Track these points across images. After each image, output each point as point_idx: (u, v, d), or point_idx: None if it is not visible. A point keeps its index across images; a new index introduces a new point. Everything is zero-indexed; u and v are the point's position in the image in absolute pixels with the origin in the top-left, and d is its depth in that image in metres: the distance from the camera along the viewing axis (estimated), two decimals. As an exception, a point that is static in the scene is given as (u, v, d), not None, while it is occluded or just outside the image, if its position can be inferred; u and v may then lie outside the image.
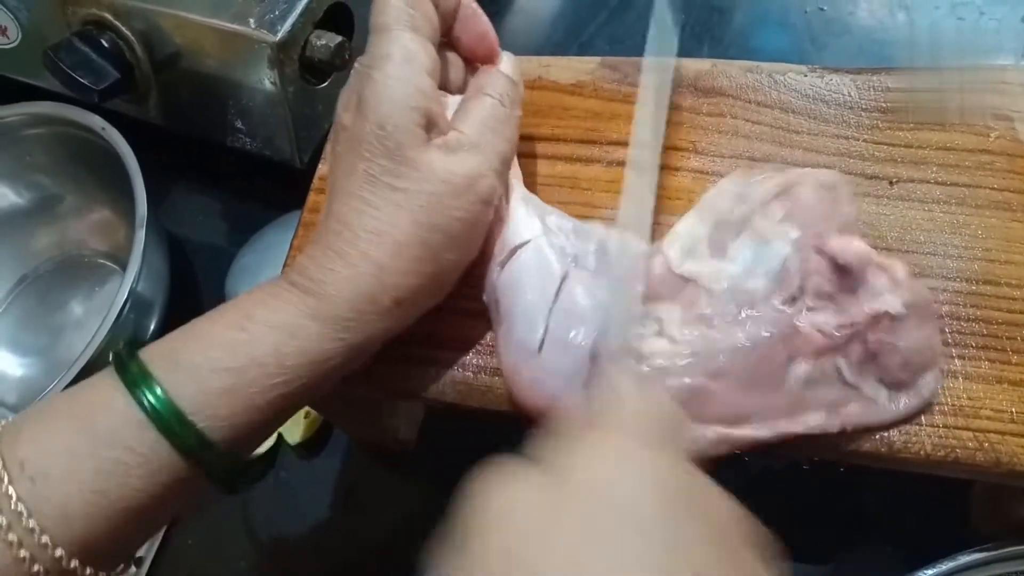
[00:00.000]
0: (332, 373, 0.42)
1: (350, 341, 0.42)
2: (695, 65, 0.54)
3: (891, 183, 0.47)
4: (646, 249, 0.45)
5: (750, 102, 0.52)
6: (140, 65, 0.68)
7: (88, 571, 0.39)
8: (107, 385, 0.40)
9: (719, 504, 0.34)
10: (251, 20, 0.64)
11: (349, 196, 0.42)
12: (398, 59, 0.42)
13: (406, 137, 0.41)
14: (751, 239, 0.43)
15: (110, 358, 0.41)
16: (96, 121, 0.69)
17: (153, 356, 0.40)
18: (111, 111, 0.71)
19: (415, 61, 0.42)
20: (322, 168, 0.54)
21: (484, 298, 0.46)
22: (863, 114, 0.50)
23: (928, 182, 0.47)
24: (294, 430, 0.65)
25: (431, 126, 0.42)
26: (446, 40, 0.47)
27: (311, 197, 0.53)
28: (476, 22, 0.47)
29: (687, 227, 0.45)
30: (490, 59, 0.47)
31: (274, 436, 0.65)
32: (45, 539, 0.37)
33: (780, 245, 0.42)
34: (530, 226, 0.45)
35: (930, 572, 0.47)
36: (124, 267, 0.63)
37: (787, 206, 0.44)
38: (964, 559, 0.47)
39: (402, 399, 0.47)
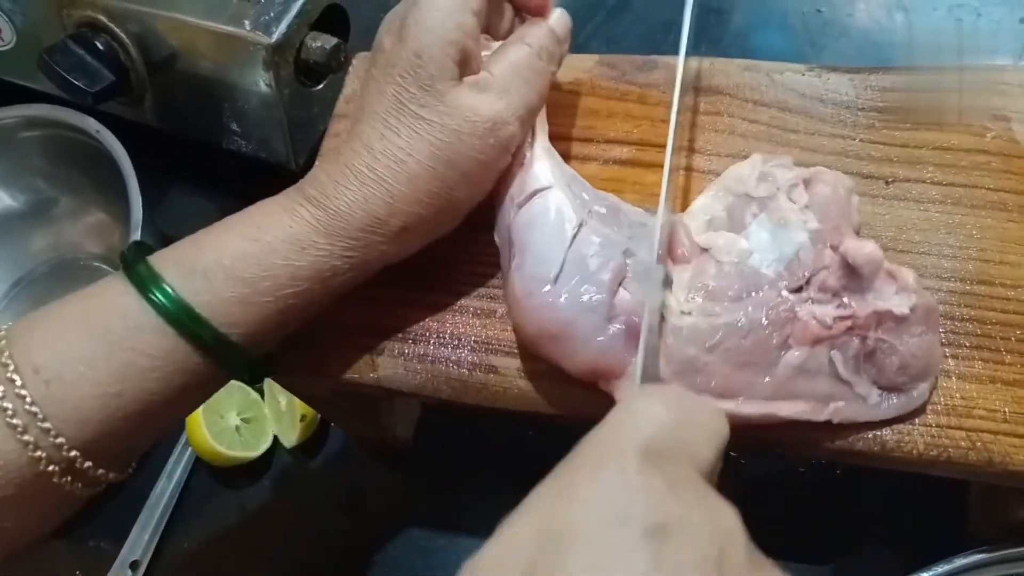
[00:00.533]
0: (339, 286, 0.44)
1: (357, 259, 0.43)
2: (692, 63, 0.53)
3: (887, 183, 0.47)
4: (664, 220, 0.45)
5: (747, 101, 0.52)
6: (135, 67, 0.68)
7: (100, 471, 0.41)
8: (117, 289, 0.41)
9: (719, 524, 0.33)
10: (246, 22, 0.63)
11: (374, 118, 0.43)
12: None
13: (439, 69, 0.42)
14: (770, 220, 0.43)
15: (122, 258, 0.42)
16: (91, 124, 0.69)
17: (166, 261, 0.41)
18: (106, 113, 0.71)
19: None
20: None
21: (496, 238, 0.47)
22: (860, 114, 0.50)
23: (924, 182, 0.47)
24: (290, 433, 0.64)
25: (465, 64, 0.43)
26: None
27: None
28: None
29: (709, 199, 0.46)
30: (541, 12, 0.48)
31: (270, 439, 0.65)
32: (60, 440, 0.39)
33: (798, 232, 0.42)
34: (549, 173, 0.46)
35: (927, 575, 0.46)
36: (118, 269, 0.63)
37: (810, 195, 0.44)
38: (961, 562, 0.47)
39: (398, 396, 0.47)
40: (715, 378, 0.40)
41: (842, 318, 0.40)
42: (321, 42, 0.66)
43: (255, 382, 0.45)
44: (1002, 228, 0.45)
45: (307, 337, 0.48)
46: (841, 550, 0.56)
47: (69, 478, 0.40)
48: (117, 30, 0.67)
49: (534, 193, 0.45)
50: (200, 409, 0.62)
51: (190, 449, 0.65)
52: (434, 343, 0.47)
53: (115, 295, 0.41)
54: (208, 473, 0.65)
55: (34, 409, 0.38)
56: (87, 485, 0.41)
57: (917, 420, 0.41)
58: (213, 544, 0.64)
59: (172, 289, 0.40)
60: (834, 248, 0.42)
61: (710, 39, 0.79)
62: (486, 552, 0.31)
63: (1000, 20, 0.75)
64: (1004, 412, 0.40)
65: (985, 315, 0.43)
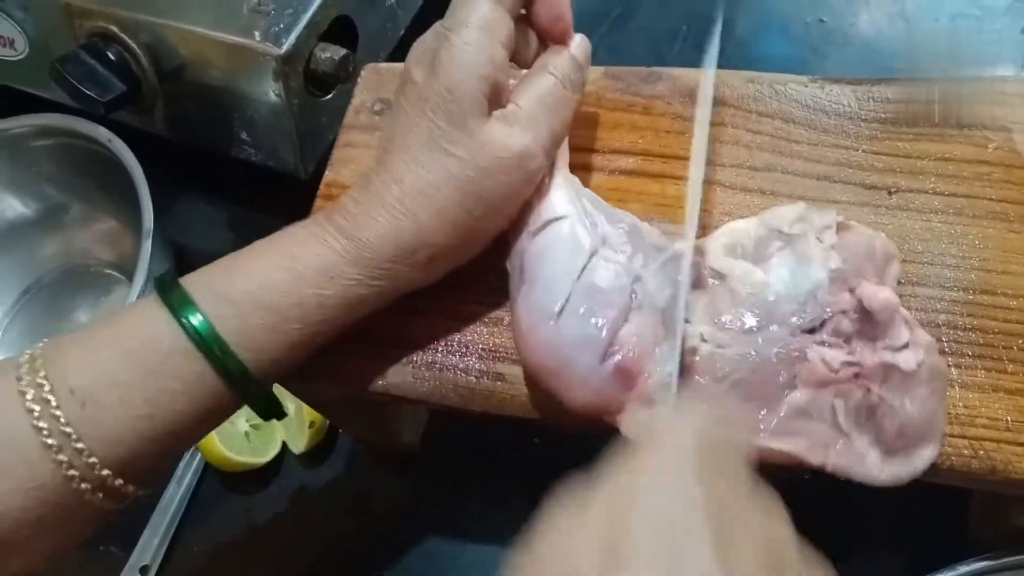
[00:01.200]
0: (363, 314, 0.45)
1: (384, 287, 0.44)
2: (697, 75, 0.54)
3: (890, 193, 0.48)
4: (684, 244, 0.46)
5: (751, 112, 0.52)
6: (146, 77, 0.69)
7: (130, 488, 0.41)
8: (150, 313, 0.42)
9: (774, 527, 0.34)
10: (256, 33, 0.64)
11: (405, 151, 0.44)
12: (476, 26, 0.43)
13: (470, 106, 0.43)
14: (793, 256, 0.43)
15: (153, 285, 0.43)
16: (102, 133, 0.69)
17: (197, 287, 0.42)
18: (117, 122, 0.71)
19: (493, 31, 0.44)
20: (328, 175, 0.55)
21: (507, 264, 0.47)
22: (863, 124, 0.50)
23: (926, 192, 0.48)
24: (298, 440, 0.65)
25: (495, 98, 0.44)
26: (524, 14, 0.48)
27: (317, 203, 0.54)
28: (556, 1, 0.47)
29: (742, 226, 0.46)
30: (563, 39, 0.48)
31: (279, 445, 0.66)
32: (93, 460, 0.40)
33: (818, 270, 0.42)
34: (567, 203, 0.46)
35: (930, 583, 0.47)
36: (130, 277, 0.64)
37: (840, 239, 0.44)
38: (964, 569, 0.47)
39: (406, 403, 0.48)
40: (721, 408, 0.41)
41: (849, 363, 0.40)
42: (330, 53, 0.66)
43: (266, 417, 0.45)
44: (1004, 238, 0.46)
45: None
46: (843, 556, 0.56)
47: (101, 495, 0.41)
48: (128, 40, 0.67)
49: (549, 223, 0.46)
50: (210, 415, 0.63)
51: (200, 455, 0.65)
52: (442, 351, 0.47)
53: (148, 319, 0.42)
54: (217, 479, 0.66)
55: (68, 430, 0.39)
56: (116, 501, 0.42)
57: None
58: (222, 549, 0.64)
59: (204, 316, 0.41)
60: (851, 291, 0.42)
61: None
62: (544, 560, 0.33)
63: (1001, 30, 0.75)
64: (1007, 421, 0.41)
65: (987, 324, 0.43)
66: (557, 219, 0.46)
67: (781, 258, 0.43)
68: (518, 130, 0.44)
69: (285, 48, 0.64)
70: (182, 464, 0.65)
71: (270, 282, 0.42)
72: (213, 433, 0.62)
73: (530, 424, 0.46)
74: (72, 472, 0.39)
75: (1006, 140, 0.49)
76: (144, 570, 0.62)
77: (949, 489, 0.43)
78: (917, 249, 0.46)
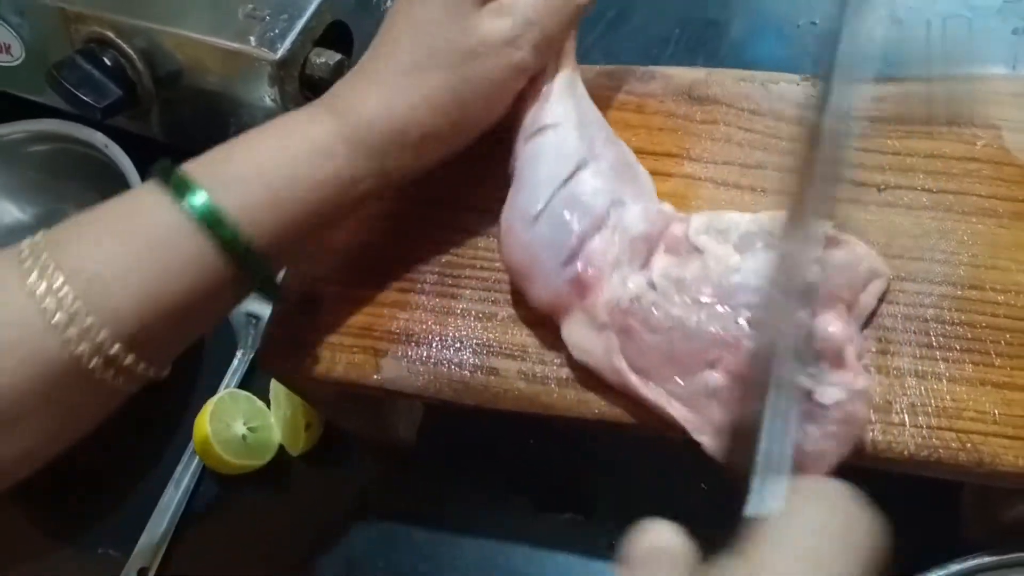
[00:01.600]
0: (360, 196, 0.46)
1: (376, 168, 0.45)
2: (690, 74, 0.55)
3: (879, 190, 0.48)
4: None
5: (743, 110, 0.53)
6: (142, 83, 0.69)
7: (141, 365, 0.42)
8: (151, 197, 0.42)
9: None
10: (251, 38, 0.65)
11: (399, 33, 0.46)
12: None
13: None
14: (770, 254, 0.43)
15: (153, 171, 0.43)
16: (99, 138, 0.69)
17: (195, 169, 0.43)
18: (114, 128, 0.72)
19: None
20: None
21: (509, 169, 0.48)
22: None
23: (916, 189, 0.48)
24: (296, 442, 0.65)
25: None
26: None
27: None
28: None
29: (736, 218, 0.45)
30: None
31: (276, 447, 0.66)
32: (102, 335, 0.40)
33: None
34: (562, 111, 0.48)
35: (923, 580, 0.47)
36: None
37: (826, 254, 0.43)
38: (956, 568, 0.47)
39: (401, 398, 0.48)
40: (640, 355, 0.42)
41: None
42: (325, 58, 0.67)
43: (270, 298, 0.46)
44: (992, 234, 0.46)
45: (312, 338, 0.49)
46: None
47: (112, 372, 0.41)
48: (124, 46, 0.68)
49: (542, 129, 0.47)
50: (207, 418, 0.63)
51: (197, 458, 0.66)
52: (436, 345, 0.48)
53: (149, 202, 0.42)
54: (215, 481, 0.66)
55: (75, 307, 0.39)
56: (129, 380, 0.42)
57: (908, 422, 0.41)
58: (220, 552, 0.64)
59: (207, 194, 0.41)
60: (814, 314, 0.41)
61: (707, 50, 0.80)
62: None
63: (993, 30, 0.76)
64: (994, 414, 0.41)
65: (975, 319, 0.43)
66: (551, 126, 0.47)
67: (760, 254, 0.43)
68: (506, 22, 0.45)
69: (280, 53, 0.64)
70: (180, 467, 0.65)
71: (268, 161, 0.43)
72: (210, 436, 0.63)
73: (524, 419, 0.46)
74: (81, 348, 0.39)
75: (995, 137, 0.49)
76: (142, 572, 0.62)
77: (941, 487, 0.43)
78: (906, 245, 0.46)
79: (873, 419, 0.41)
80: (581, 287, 0.44)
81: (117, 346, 0.40)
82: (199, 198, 0.41)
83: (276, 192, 0.43)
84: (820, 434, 0.38)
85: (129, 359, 0.41)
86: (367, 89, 0.45)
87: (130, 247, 0.41)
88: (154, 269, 0.41)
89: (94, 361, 0.40)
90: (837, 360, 0.39)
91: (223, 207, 0.41)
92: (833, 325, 0.40)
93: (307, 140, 0.44)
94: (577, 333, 0.44)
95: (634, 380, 0.42)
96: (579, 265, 0.44)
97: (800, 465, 0.37)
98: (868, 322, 0.44)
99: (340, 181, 0.44)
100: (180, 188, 0.41)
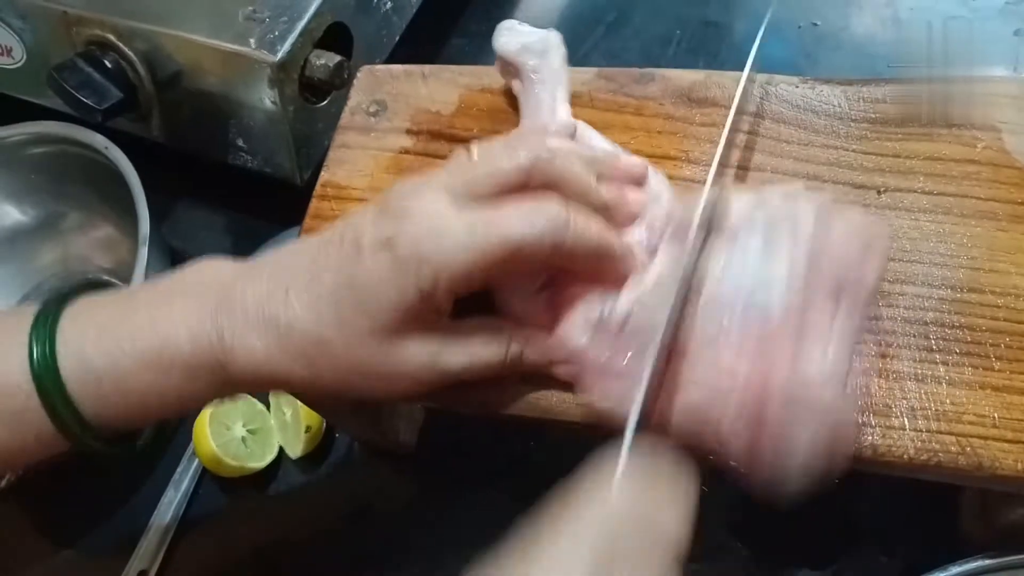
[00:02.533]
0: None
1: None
2: (689, 76, 0.54)
3: (879, 192, 0.48)
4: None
5: (742, 112, 0.52)
6: (143, 85, 0.69)
7: None
8: (15, 346, 0.41)
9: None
10: (251, 41, 0.65)
11: (321, 287, 0.41)
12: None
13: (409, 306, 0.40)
14: (761, 243, 0.42)
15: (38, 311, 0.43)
16: (99, 140, 0.70)
17: (68, 340, 0.42)
18: (114, 130, 0.72)
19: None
20: (324, 176, 0.55)
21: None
22: (852, 125, 0.51)
23: (915, 191, 0.48)
24: (295, 444, 0.65)
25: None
26: None
27: (313, 203, 0.54)
28: None
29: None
30: None
31: (276, 450, 0.66)
32: None
33: (778, 265, 0.40)
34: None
35: (923, 583, 0.47)
36: (127, 283, 0.64)
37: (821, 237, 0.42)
38: (956, 570, 0.47)
39: (401, 401, 0.48)
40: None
41: None
42: (325, 60, 0.67)
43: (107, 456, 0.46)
44: (992, 237, 0.46)
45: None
46: (836, 558, 0.56)
47: None
48: (125, 48, 0.68)
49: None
50: (207, 420, 0.63)
51: (197, 460, 0.66)
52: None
53: (10, 355, 0.41)
54: (215, 484, 0.66)
55: None
56: None
57: (908, 425, 0.41)
58: (220, 554, 0.65)
59: (56, 373, 0.41)
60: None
61: (707, 52, 0.80)
62: None
63: (994, 32, 0.76)
64: (993, 417, 0.41)
65: (975, 322, 0.43)
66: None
67: (748, 243, 0.42)
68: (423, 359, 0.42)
69: (280, 55, 0.64)
70: (179, 469, 0.66)
71: (136, 367, 0.41)
72: (210, 438, 0.63)
73: (523, 423, 0.46)
74: None
75: (995, 140, 0.49)
76: (142, 574, 0.62)
77: (940, 489, 0.43)
78: (906, 248, 0.46)
79: (873, 423, 0.41)
80: (552, 309, 0.43)
81: None
82: (43, 353, 0.41)
83: (137, 396, 0.42)
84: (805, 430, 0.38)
85: None
86: (255, 338, 0.41)
87: None
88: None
89: None
90: None
91: (64, 368, 0.41)
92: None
93: (182, 365, 0.41)
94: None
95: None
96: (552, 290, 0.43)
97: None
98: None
99: (200, 400, 0.44)
100: (40, 361, 0.41)
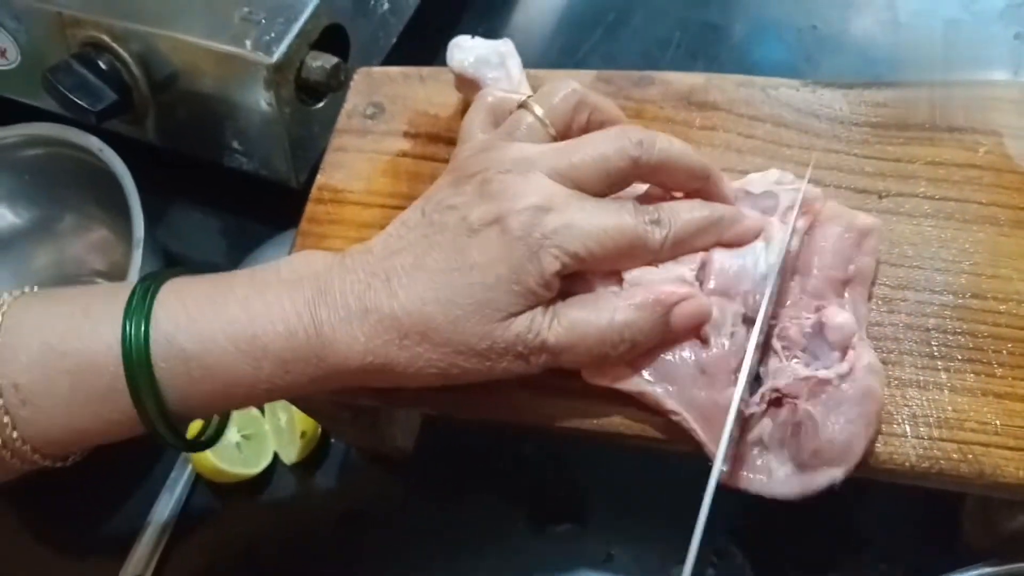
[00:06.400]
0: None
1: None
2: (689, 79, 0.54)
3: (880, 197, 0.48)
4: None
5: (743, 116, 0.52)
6: (138, 86, 0.69)
7: (37, 456, 0.42)
8: (105, 339, 0.41)
9: None
10: (247, 42, 0.64)
11: (423, 281, 0.41)
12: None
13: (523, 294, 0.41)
14: (763, 241, 0.43)
15: (136, 291, 0.42)
16: (94, 142, 0.69)
17: (163, 323, 0.41)
18: (109, 132, 0.71)
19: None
20: (320, 179, 0.55)
21: None
22: (854, 128, 0.50)
23: (917, 196, 0.47)
24: (290, 450, 0.65)
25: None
26: None
27: (309, 207, 0.54)
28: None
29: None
30: None
31: (271, 456, 0.65)
32: (26, 448, 0.41)
33: (773, 253, 0.42)
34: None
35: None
36: (121, 286, 0.64)
37: (818, 236, 0.44)
38: (957, 579, 0.47)
39: (397, 407, 0.48)
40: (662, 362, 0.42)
41: (775, 391, 0.41)
42: (321, 61, 0.66)
43: (172, 445, 0.45)
44: (994, 242, 0.45)
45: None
46: (837, 565, 0.56)
47: (9, 454, 0.41)
48: (120, 50, 0.67)
49: None
50: (201, 425, 0.63)
51: (191, 466, 0.65)
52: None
53: (101, 344, 0.41)
54: (209, 490, 0.65)
55: (6, 420, 0.40)
56: (24, 464, 0.43)
57: (909, 432, 0.41)
58: (215, 560, 0.64)
59: (151, 372, 0.41)
60: (818, 309, 0.42)
61: (707, 54, 0.80)
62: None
63: (995, 35, 0.75)
64: (995, 424, 0.40)
65: (977, 328, 0.43)
66: None
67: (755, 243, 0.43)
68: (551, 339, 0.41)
69: (276, 57, 0.64)
70: (173, 475, 0.65)
71: (227, 354, 0.41)
72: (205, 443, 0.62)
73: (522, 429, 0.46)
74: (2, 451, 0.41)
75: (997, 144, 0.48)
76: (137, 581, 0.62)
77: (941, 496, 0.43)
78: (907, 253, 0.45)
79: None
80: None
81: (37, 456, 0.42)
82: (136, 334, 0.40)
83: (225, 386, 0.42)
84: (844, 420, 0.39)
85: (36, 456, 0.42)
86: (359, 323, 0.41)
87: (70, 386, 0.41)
88: (88, 414, 0.41)
89: (5, 451, 0.41)
90: (845, 350, 0.40)
91: (154, 351, 0.41)
92: (840, 316, 0.40)
93: (276, 356, 0.41)
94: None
95: (658, 391, 0.42)
96: None
97: (834, 458, 0.39)
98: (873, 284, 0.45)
99: (290, 392, 0.43)
100: (134, 354, 0.40)
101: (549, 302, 0.41)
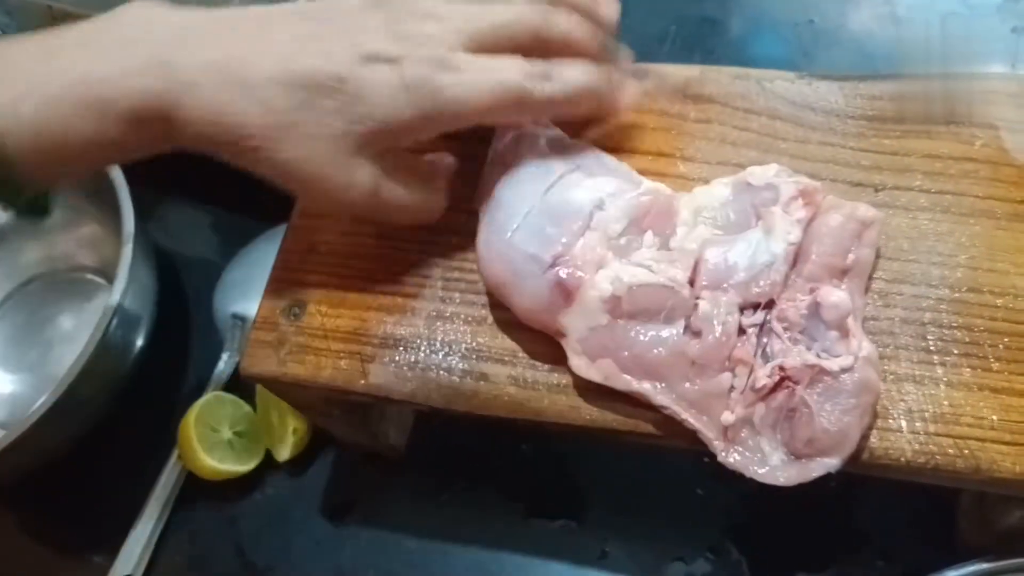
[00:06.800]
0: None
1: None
2: (684, 71, 0.54)
3: (876, 190, 0.47)
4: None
5: (738, 109, 0.52)
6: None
7: None
8: None
9: None
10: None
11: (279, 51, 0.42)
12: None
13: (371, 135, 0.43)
14: (760, 231, 0.43)
15: None
16: (84, 136, 0.68)
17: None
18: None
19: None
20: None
21: (476, 199, 0.48)
22: (849, 121, 0.50)
23: (913, 190, 0.47)
24: (282, 447, 0.64)
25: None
26: None
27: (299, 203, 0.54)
28: None
29: (713, 193, 0.46)
30: None
31: (262, 453, 0.65)
32: None
33: (777, 243, 0.42)
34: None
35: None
36: (112, 282, 0.63)
37: (817, 223, 0.44)
38: (953, 574, 0.48)
39: (390, 404, 0.47)
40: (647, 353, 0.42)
41: (781, 368, 0.40)
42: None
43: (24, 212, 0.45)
44: (991, 236, 0.45)
45: (297, 343, 0.48)
46: (833, 562, 0.56)
47: None
48: (110, 43, 0.67)
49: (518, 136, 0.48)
50: (192, 423, 0.63)
51: (182, 463, 0.65)
52: (425, 350, 0.47)
53: None
54: (200, 487, 0.65)
55: None
56: None
57: (905, 428, 0.40)
58: (205, 557, 0.64)
59: None
60: (812, 290, 0.41)
61: (703, 48, 0.80)
62: None
63: (992, 29, 0.75)
64: (991, 419, 0.40)
65: (973, 322, 0.43)
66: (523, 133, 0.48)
67: (751, 234, 0.43)
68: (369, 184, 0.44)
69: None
70: (165, 472, 0.65)
71: (73, 115, 0.40)
72: (196, 441, 0.62)
73: (514, 425, 0.46)
74: None
75: (993, 137, 0.48)
76: (128, 580, 0.61)
77: (938, 493, 0.43)
78: (903, 247, 0.45)
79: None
80: (564, 291, 0.43)
81: None
82: None
83: (64, 136, 0.40)
84: (840, 410, 0.39)
85: None
86: (216, 87, 0.41)
87: None
88: None
89: None
90: (843, 330, 0.40)
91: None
92: (835, 295, 0.40)
93: (122, 105, 0.40)
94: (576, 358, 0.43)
95: (647, 388, 0.42)
96: (559, 270, 0.43)
97: (828, 448, 0.39)
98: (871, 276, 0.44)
99: (135, 149, 0.44)
100: None
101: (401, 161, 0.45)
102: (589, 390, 0.44)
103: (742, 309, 0.42)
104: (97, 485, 0.67)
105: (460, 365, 0.46)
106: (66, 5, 0.67)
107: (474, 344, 0.47)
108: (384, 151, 0.44)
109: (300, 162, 0.42)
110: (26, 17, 0.70)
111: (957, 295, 0.43)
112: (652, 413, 0.42)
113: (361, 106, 0.41)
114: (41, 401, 0.58)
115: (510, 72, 0.43)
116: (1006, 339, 0.42)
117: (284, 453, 0.64)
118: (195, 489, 0.65)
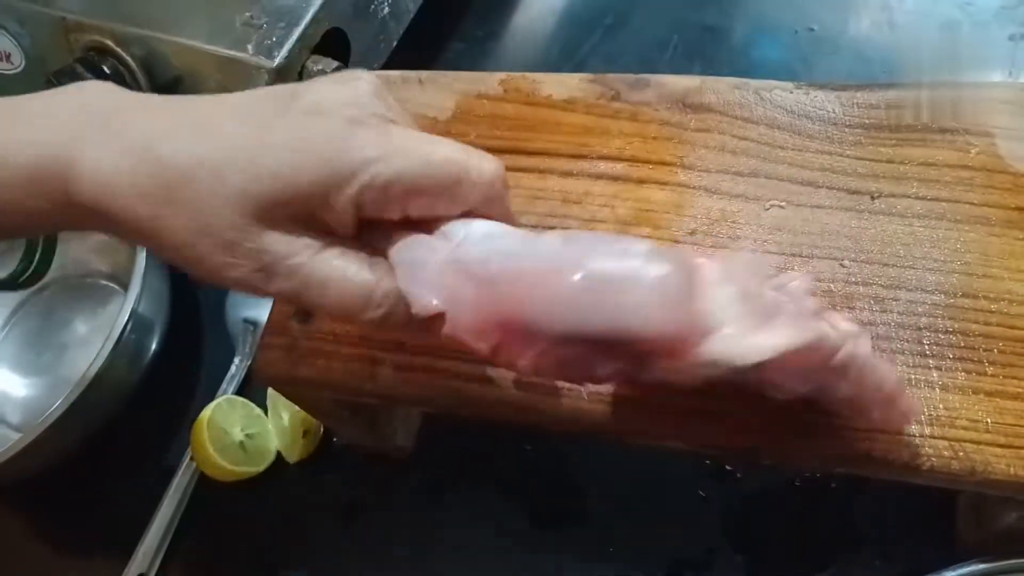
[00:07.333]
0: None
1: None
2: (684, 81, 0.54)
3: (873, 198, 0.48)
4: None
5: (737, 118, 0.52)
6: (141, 90, 0.70)
7: None
8: None
9: None
10: (249, 46, 0.65)
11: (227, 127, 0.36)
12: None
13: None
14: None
15: None
16: (98, 145, 0.69)
17: None
18: (113, 135, 0.72)
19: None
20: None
21: None
22: (847, 130, 0.51)
23: (909, 197, 0.48)
24: (293, 449, 0.65)
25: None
26: None
27: None
28: None
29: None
30: None
31: (274, 454, 0.66)
32: None
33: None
34: None
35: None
36: (126, 288, 0.64)
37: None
38: (950, 575, 0.48)
39: (397, 406, 0.48)
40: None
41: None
42: (322, 66, 0.67)
43: None
44: (985, 242, 0.46)
45: (308, 347, 0.49)
46: (831, 562, 0.56)
47: None
48: (123, 54, 0.68)
49: None
50: (204, 425, 0.64)
51: (194, 464, 0.66)
52: (431, 354, 0.48)
53: None
54: (213, 488, 0.66)
55: None
56: None
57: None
58: (218, 558, 0.65)
59: None
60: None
61: (704, 56, 0.80)
62: None
63: (990, 37, 0.76)
64: (986, 422, 0.41)
65: (968, 327, 0.43)
66: None
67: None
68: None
69: (277, 61, 0.64)
70: (178, 474, 0.66)
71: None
72: (208, 443, 0.63)
73: (521, 428, 0.47)
74: None
75: (988, 145, 0.49)
76: (141, 580, 0.62)
77: (935, 494, 0.43)
78: (899, 253, 0.46)
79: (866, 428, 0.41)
80: None
81: None
82: None
83: None
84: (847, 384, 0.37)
85: None
86: (116, 151, 0.35)
87: None
88: None
89: None
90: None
91: None
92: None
93: (25, 166, 0.36)
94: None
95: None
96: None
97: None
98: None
99: (37, 218, 0.37)
100: None
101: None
102: (593, 394, 0.45)
103: None
104: (111, 487, 0.68)
105: (466, 369, 0.47)
106: (79, 16, 0.68)
107: (480, 349, 0.48)
108: (303, 224, 0.36)
109: (184, 241, 0.36)
110: (39, 28, 0.71)
111: (952, 300, 0.44)
112: (654, 416, 0.43)
113: (284, 158, 0.35)
114: (56, 405, 0.59)
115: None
116: (1000, 344, 0.43)
117: (294, 454, 0.65)
118: (207, 490, 0.66)
